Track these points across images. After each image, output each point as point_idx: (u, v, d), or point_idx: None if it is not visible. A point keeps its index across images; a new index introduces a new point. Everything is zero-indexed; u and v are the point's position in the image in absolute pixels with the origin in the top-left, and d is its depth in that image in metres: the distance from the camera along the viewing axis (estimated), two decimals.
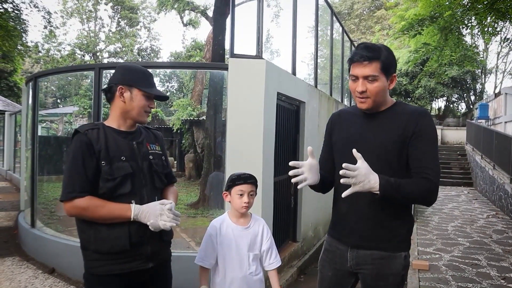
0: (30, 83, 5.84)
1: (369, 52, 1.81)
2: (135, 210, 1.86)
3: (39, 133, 6.42)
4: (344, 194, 1.72)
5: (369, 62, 1.80)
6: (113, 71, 2.09)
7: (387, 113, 1.91)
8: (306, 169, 1.84)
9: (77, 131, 1.96)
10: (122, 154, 1.96)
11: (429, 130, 1.84)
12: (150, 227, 1.85)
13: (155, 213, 1.86)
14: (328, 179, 2.04)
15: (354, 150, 1.72)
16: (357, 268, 1.95)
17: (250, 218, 2.36)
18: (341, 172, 1.68)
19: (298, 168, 1.85)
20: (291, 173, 1.85)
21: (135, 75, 2.01)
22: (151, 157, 2.06)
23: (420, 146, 1.81)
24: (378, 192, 1.72)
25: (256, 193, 2.33)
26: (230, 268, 2.25)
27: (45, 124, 19.62)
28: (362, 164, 1.70)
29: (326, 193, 2.14)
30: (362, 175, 1.68)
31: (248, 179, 2.26)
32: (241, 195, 2.24)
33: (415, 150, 1.81)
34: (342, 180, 1.69)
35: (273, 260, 2.38)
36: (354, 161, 1.82)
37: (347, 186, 1.73)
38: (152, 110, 2.15)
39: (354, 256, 1.95)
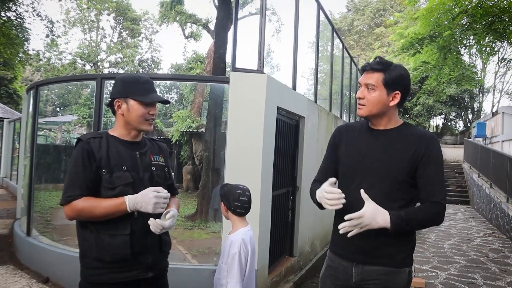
0: (31, 91, 5.85)
1: (377, 64, 1.93)
2: (129, 202, 1.88)
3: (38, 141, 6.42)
4: (349, 234, 1.80)
5: (373, 72, 1.93)
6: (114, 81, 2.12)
7: (395, 132, 1.96)
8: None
9: (79, 139, 1.99)
10: (124, 163, 1.98)
11: (437, 155, 1.92)
12: (151, 211, 1.88)
13: (150, 202, 1.88)
14: None
15: (362, 191, 1.79)
16: (361, 284, 1.95)
17: (236, 228, 2.36)
18: (342, 225, 1.78)
19: (337, 195, 1.83)
20: (332, 196, 1.82)
21: (130, 85, 2.01)
22: (153, 168, 2.08)
23: (429, 170, 1.88)
24: (389, 229, 1.79)
25: None
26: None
27: (43, 132, 19.60)
28: (367, 208, 1.77)
29: None
30: (367, 219, 1.76)
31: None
32: None
33: (424, 173, 1.89)
34: (348, 231, 1.79)
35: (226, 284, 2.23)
36: (359, 178, 1.93)
37: (349, 205, 1.82)
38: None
39: (359, 272, 1.95)
